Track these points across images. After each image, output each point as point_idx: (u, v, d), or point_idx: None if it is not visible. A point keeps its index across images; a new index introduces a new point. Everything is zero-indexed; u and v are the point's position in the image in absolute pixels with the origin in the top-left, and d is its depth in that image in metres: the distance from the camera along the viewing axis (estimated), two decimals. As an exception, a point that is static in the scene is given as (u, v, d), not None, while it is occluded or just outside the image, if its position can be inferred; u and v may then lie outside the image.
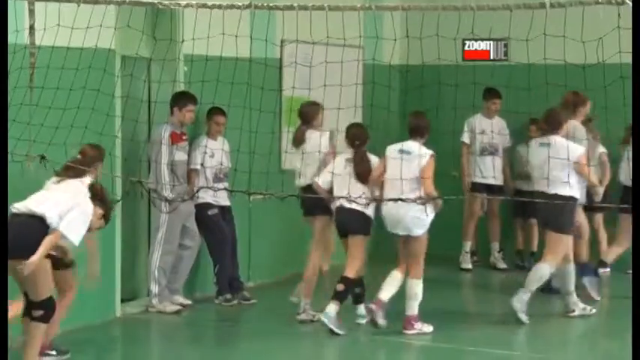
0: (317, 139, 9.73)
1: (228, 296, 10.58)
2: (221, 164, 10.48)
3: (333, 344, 9.36)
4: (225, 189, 10.21)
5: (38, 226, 7.22)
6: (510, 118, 12.11)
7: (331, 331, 9.23)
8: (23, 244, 7.12)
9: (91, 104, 8.32)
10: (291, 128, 10.67)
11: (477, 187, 12.49)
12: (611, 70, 7.44)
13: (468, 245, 12.71)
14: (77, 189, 7.53)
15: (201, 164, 10.34)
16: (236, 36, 7.98)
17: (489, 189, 12.51)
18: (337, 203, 9.40)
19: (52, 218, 7.21)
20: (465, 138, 12.50)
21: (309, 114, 9.86)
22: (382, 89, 9.49)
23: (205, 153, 10.31)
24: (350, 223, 9.47)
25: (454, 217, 12.09)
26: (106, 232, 8.41)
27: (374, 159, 9.51)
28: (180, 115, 10.10)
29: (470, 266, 12.71)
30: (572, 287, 10.03)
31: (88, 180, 7.67)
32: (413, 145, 9.32)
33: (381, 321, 9.26)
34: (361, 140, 9.54)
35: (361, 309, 9.65)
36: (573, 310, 10.04)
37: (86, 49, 8.32)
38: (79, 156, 8.11)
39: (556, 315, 10.23)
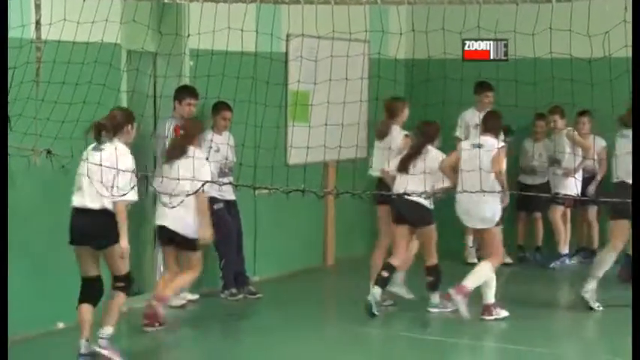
0: (397, 135, 10.00)
1: (234, 291, 10.59)
2: (226, 159, 10.48)
3: (338, 338, 9.37)
4: (230, 183, 10.22)
5: (105, 215, 7.89)
6: (516, 113, 12.08)
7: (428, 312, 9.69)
8: (103, 236, 7.93)
9: (96, 99, 8.31)
10: (296, 123, 10.68)
11: None
12: (618, 64, 7.42)
13: (470, 239, 12.68)
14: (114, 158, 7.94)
15: (207, 159, 10.34)
16: (242, 30, 7.96)
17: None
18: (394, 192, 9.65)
19: (108, 204, 7.88)
20: (459, 133, 12.47)
21: (395, 109, 10.08)
22: (388, 83, 9.48)
23: (211, 147, 10.30)
24: (408, 215, 9.69)
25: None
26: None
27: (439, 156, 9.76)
28: (181, 109, 10.13)
29: (475, 260, 12.64)
30: (600, 274, 10.01)
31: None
32: (486, 139, 9.60)
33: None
34: (426, 136, 9.77)
35: (377, 292, 9.66)
36: (587, 292, 10.07)
37: (92, 43, 8.32)
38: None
39: (562, 309, 10.23)
